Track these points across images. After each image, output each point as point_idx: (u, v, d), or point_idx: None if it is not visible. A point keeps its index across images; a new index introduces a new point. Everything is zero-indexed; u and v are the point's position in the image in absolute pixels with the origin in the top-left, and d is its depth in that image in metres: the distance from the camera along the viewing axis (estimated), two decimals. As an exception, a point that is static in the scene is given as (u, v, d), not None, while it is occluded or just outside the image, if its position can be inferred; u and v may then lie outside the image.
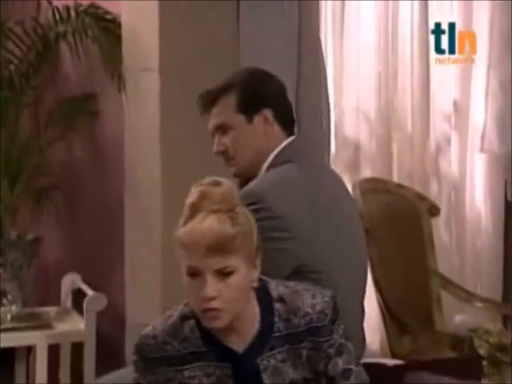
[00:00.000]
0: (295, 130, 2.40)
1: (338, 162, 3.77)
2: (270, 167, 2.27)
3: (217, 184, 1.77)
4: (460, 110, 3.88)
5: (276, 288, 1.85)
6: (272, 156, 2.28)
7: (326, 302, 1.84)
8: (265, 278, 1.86)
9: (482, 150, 3.85)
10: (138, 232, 3.37)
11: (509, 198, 3.89)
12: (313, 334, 1.81)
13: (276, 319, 1.82)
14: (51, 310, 3.50)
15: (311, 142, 3.32)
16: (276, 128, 2.30)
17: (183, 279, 1.76)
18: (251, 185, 2.22)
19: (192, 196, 1.76)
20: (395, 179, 3.81)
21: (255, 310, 1.82)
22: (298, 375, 1.82)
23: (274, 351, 1.82)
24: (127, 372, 2.46)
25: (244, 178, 2.32)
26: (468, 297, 3.51)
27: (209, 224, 1.72)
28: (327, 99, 3.52)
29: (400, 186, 3.69)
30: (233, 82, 2.30)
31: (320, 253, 2.15)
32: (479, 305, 3.49)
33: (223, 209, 1.74)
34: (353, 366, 1.88)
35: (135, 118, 3.37)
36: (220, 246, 1.71)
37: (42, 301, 3.57)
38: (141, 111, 3.32)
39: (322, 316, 1.82)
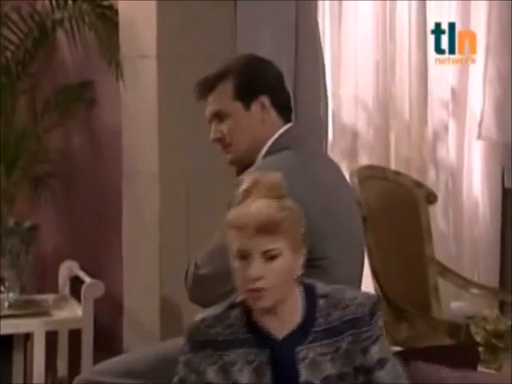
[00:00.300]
0: (292, 117, 2.40)
1: (335, 149, 3.77)
2: (266, 154, 2.27)
3: (267, 174, 1.88)
4: (458, 98, 3.88)
5: (322, 288, 1.92)
6: (269, 143, 2.27)
7: (366, 297, 1.90)
8: (313, 281, 1.93)
9: (479, 137, 3.84)
10: (136, 219, 3.37)
11: (506, 186, 3.89)
12: (352, 326, 1.86)
13: (318, 314, 1.88)
14: (49, 298, 3.50)
15: (309, 130, 3.32)
16: (273, 115, 2.29)
17: (232, 262, 1.84)
18: (249, 172, 2.21)
19: (244, 183, 1.86)
20: (393, 167, 3.81)
21: (298, 302, 1.88)
22: (335, 369, 1.86)
23: (314, 344, 1.86)
24: (125, 358, 2.47)
25: (241, 166, 2.32)
26: (465, 284, 3.52)
27: (258, 206, 1.82)
28: (325, 87, 3.52)
29: (398, 173, 3.69)
30: (230, 69, 2.29)
31: (319, 239, 2.16)
32: (476, 292, 3.50)
33: (272, 195, 1.84)
34: (388, 357, 1.90)
35: (133, 106, 3.36)
36: (267, 228, 1.80)
37: (39, 288, 3.58)
38: (138, 98, 3.31)
39: (361, 308, 1.87)
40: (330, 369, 1.85)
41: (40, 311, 3.33)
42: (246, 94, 2.27)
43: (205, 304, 2.25)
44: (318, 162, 2.33)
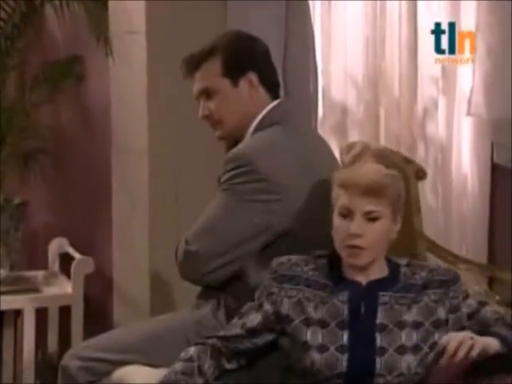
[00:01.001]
0: (282, 93, 2.40)
1: (325, 126, 3.77)
2: (256, 130, 2.27)
3: (376, 143, 2.00)
4: (447, 74, 3.87)
5: (404, 259, 2.07)
6: (258, 119, 2.27)
7: (450, 267, 2.11)
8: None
9: (468, 113, 3.84)
10: (125, 195, 3.37)
11: (495, 161, 3.90)
12: (439, 286, 2.01)
13: (401, 275, 2.01)
14: (39, 274, 3.51)
15: (299, 105, 3.32)
16: (261, 91, 2.30)
17: (333, 220, 1.96)
18: (238, 148, 2.22)
19: (355, 149, 1.98)
20: (383, 143, 3.81)
21: (385, 266, 2.01)
22: (411, 317, 1.97)
23: (396, 294, 1.98)
24: (115, 334, 2.48)
25: (231, 141, 2.32)
26: (453, 259, 3.52)
27: (369, 168, 1.95)
28: (315, 64, 3.51)
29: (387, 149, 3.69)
30: (217, 46, 2.28)
31: (308, 214, 2.17)
32: (464, 267, 3.51)
33: (381, 162, 1.97)
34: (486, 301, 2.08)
35: (122, 81, 3.35)
36: (373, 190, 1.92)
37: (29, 265, 3.58)
38: (127, 74, 3.30)
39: (447, 272, 2.04)
40: (405, 315, 1.97)
41: (30, 288, 3.34)
42: (233, 71, 2.26)
43: (195, 280, 2.27)
44: (307, 137, 2.34)
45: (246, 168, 2.14)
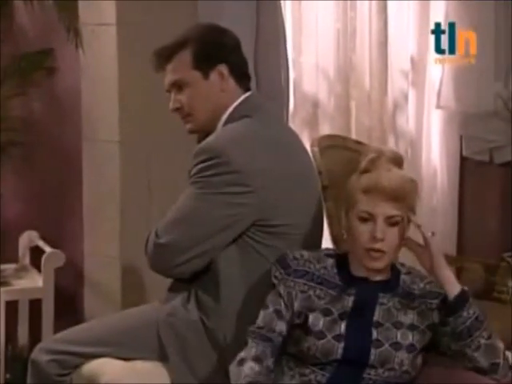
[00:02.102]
0: (254, 85, 2.40)
1: (296, 118, 3.78)
2: (226, 122, 2.27)
3: (388, 147, 2.01)
4: (417, 67, 3.90)
5: (406, 268, 2.11)
6: (228, 112, 2.27)
7: None
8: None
9: (438, 106, 3.87)
10: (96, 187, 3.36)
11: (464, 154, 3.93)
12: (434, 297, 2.05)
13: (401, 283, 2.07)
14: (9, 267, 3.48)
15: (270, 98, 3.32)
16: (232, 83, 2.30)
17: (350, 224, 2.01)
18: (208, 140, 2.22)
19: (370, 154, 2.02)
20: (354, 136, 3.82)
21: (389, 272, 2.06)
22: (407, 320, 2.03)
23: (395, 298, 2.04)
24: (85, 327, 2.48)
25: (202, 134, 2.32)
26: (423, 251, 3.56)
27: (395, 173, 1.98)
28: (286, 56, 3.52)
29: (358, 142, 3.69)
30: (187, 39, 2.28)
31: (281, 205, 2.18)
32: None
33: (397, 167, 2.00)
34: None
35: (93, 73, 3.34)
36: (399, 194, 1.96)
37: (-1, 258, 3.56)
38: (98, 65, 3.29)
39: None
40: (402, 317, 2.04)
41: (0, 281, 3.31)
42: (204, 63, 2.26)
43: (165, 272, 2.27)
44: (278, 128, 2.34)
45: (217, 160, 2.14)
